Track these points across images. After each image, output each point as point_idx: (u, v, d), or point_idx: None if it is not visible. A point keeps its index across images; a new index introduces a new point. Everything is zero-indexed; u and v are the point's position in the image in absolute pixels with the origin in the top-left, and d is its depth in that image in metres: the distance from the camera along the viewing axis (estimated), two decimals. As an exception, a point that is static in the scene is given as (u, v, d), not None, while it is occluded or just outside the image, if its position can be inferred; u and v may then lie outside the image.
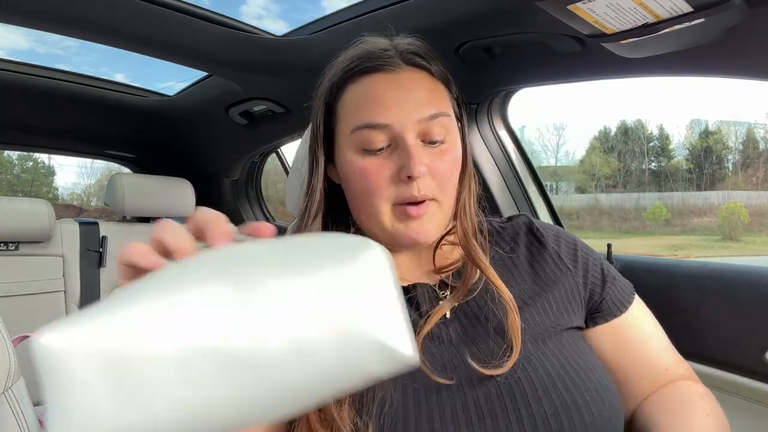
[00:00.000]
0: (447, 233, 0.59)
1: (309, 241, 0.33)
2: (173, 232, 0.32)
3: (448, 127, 0.56)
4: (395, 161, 0.54)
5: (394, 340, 0.29)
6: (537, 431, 0.47)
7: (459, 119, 0.60)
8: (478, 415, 0.48)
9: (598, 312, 0.62)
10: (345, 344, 0.28)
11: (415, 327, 0.53)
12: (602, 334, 0.62)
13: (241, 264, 0.29)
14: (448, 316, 0.56)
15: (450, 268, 0.59)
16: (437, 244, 0.59)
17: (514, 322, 0.52)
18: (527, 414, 0.48)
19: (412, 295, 0.58)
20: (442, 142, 0.55)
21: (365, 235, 0.60)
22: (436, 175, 0.54)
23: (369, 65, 0.56)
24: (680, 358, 0.64)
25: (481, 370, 0.50)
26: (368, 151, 0.54)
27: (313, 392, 0.29)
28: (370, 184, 0.54)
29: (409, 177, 0.52)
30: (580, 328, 0.61)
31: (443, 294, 0.58)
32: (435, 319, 0.54)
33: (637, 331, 0.62)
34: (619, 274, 0.66)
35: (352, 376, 0.30)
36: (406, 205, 0.54)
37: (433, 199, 0.55)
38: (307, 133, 0.74)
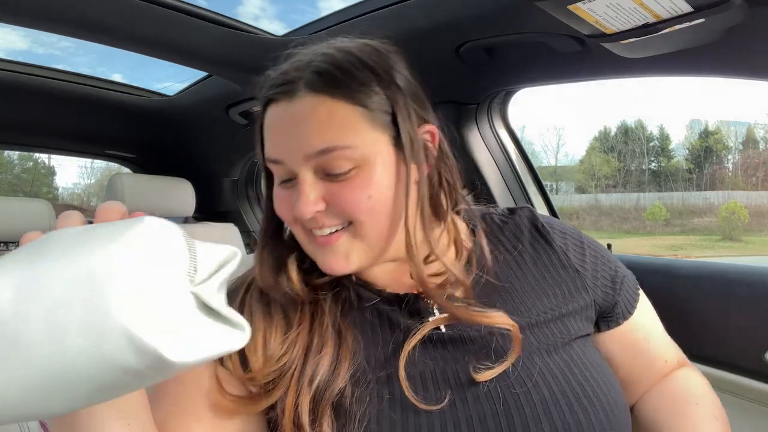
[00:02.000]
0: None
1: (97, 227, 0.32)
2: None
3: (353, 158, 0.48)
4: (294, 196, 0.50)
5: (144, 331, 0.27)
6: None
7: (397, 137, 0.51)
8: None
9: (609, 316, 0.60)
10: (90, 326, 0.27)
11: (402, 339, 0.51)
12: (612, 337, 0.61)
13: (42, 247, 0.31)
14: (443, 329, 0.52)
15: (439, 278, 0.54)
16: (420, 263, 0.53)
17: (516, 338, 0.49)
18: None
19: (394, 308, 0.54)
20: (346, 173, 0.49)
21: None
22: (339, 208, 0.49)
23: (271, 93, 0.52)
24: (672, 343, 0.65)
25: (475, 376, 0.47)
26: (281, 181, 0.53)
27: (68, 380, 0.28)
28: (281, 214, 0.53)
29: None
30: (589, 334, 0.57)
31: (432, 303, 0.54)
32: (420, 335, 0.50)
33: (644, 330, 0.62)
34: (622, 265, 0.64)
35: (105, 365, 0.28)
36: (316, 235, 0.51)
37: (347, 227, 0.50)
38: None
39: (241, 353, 0.51)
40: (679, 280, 0.94)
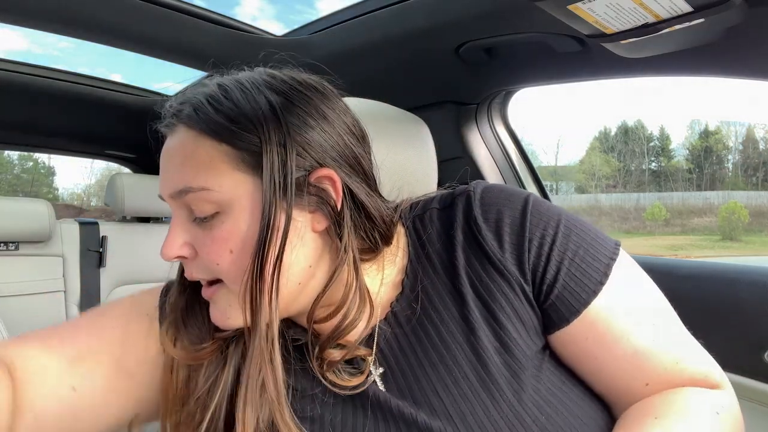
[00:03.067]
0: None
1: None
2: None
3: (213, 201, 0.44)
4: None
5: None
6: None
7: (273, 183, 0.44)
8: None
9: (548, 316, 0.48)
10: None
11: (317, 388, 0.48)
12: (566, 340, 0.47)
13: None
14: (378, 384, 0.48)
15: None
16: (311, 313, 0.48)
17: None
18: None
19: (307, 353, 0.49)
20: (211, 218, 0.45)
21: None
22: (204, 260, 0.46)
23: (160, 126, 0.50)
24: (686, 357, 0.48)
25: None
26: None
27: None
28: None
29: None
30: (545, 348, 0.48)
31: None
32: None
33: (606, 328, 0.46)
34: (591, 239, 0.49)
35: None
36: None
37: (220, 281, 0.47)
38: None
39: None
40: (679, 280, 0.94)
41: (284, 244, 0.43)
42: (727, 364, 0.87)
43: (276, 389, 0.43)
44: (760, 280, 0.85)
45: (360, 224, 0.48)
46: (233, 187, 0.44)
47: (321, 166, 0.46)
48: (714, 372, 0.49)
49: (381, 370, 0.48)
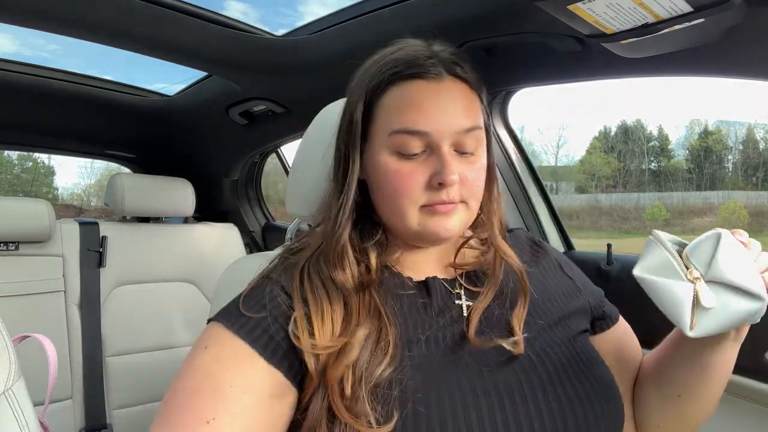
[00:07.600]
0: (473, 236, 0.63)
1: None
2: None
3: (479, 139, 0.58)
4: (429, 167, 0.55)
5: None
6: (554, 416, 0.51)
7: (486, 128, 0.62)
8: (498, 400, 0.51)
9: (602, 319, 0.68)
10: None
11: (441, 323, 0.56)
12: (605, 338, 0.68)
13: None
14: (465, 313, 0.58)
15: (467, 266, 0.62)
16: (462, 244, 0.62)
17: (521, 312, 0.58)
18: (544, 399, 0.52)
19: (427, 288, 0.59)
20: (472, 154, 0.57)
21: (389, 230, 0.62)
22: (466, 184, 0.56)
23: (413, 71, 0.56)
24: None
25: (505, 344, 0.54)
26: (403, 155, 0.56)
27: None
28: (401, 188, 0.55)
29: (441, 184, 0.54)
30: (587, 330, 0.65)
31: (456, 292, 0.60)
32: (476, 317, 0.56)
33: (627, 331, 0.72)
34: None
35: None
36: (434, 205, 0.55)
37: (462, 202, 0.57)
38: (308, 133, 0.74)
39: (309, 325, 0.52)
40: (679, 280, 0.93)
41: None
42: (727, 364, 0.87)
43: None
44: (760, 280, 0.85)
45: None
46: (484, 134, 0.60)
47: None
48: None
49: None
